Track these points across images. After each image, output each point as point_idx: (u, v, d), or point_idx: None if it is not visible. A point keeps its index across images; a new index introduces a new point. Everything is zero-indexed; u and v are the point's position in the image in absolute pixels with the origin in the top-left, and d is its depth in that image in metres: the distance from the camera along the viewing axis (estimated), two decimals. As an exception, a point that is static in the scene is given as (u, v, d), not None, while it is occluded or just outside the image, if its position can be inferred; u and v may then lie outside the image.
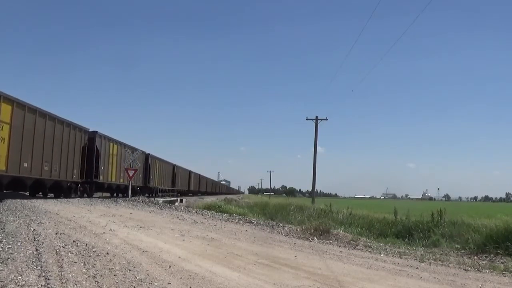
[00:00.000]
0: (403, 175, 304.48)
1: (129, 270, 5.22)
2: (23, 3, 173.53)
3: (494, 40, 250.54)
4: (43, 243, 6.19)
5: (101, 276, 4.80)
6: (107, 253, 6.01)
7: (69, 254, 5.68)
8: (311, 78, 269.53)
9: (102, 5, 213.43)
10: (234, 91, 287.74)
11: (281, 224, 13.25)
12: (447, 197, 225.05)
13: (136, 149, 26.85)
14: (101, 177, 21.42)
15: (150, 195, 31.21)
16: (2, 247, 5.60)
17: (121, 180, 24.94)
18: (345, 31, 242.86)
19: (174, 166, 40.11)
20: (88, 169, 20.16)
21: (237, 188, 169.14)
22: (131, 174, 23.68)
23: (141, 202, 18.22)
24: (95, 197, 21.50)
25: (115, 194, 26.58)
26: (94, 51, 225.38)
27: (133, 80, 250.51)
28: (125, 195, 26.23)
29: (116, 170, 23.84)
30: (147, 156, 30.28)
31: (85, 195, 20.89)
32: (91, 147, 20.29)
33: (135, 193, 27.17)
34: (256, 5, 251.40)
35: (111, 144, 23.11)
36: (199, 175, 58.33)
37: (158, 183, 33.83)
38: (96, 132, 20.86)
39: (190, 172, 49.11)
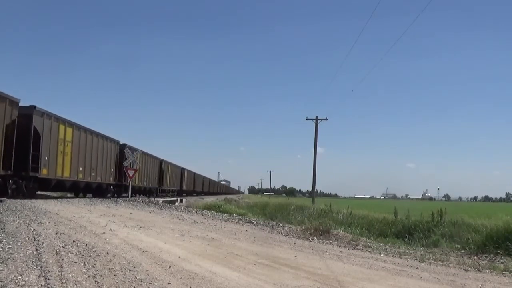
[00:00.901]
0: (403, 175, 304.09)
1: (129, 270, 5.22)
2: (23, 3, 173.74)
3: (494, 40, 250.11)
4: (43, 243, 6.19)
5: (101, 276, 4.80)
6: (107, 253, 6.01)
7: (69, 254, 5.68)
8: (311, 78, 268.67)
9: (102, 5, 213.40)
10: (234, 91, 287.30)
11: (281, 224, 13.27)
12: (447, 197, 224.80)
13: (99, 134, 21.41)
14: (44, 171, 15.87)
15: (134, 194, 27.16)
16: (2, 247, 5.60)
17: (80, 176, 18.94)
18: (345, 31, 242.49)
19: (161, 161, 34.55)
20: (20, 159, 14.53)
21: (237, 188, 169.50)
22: (131, 174, 23.59)
23: (141, 202, 18.30)
24: (45, 198, 16.08)
25: (81, 195, 21.95)
26: (94, 51, 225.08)
27: (133, 80, 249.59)
28: (94, 195, 22.11)
29: (71, 162, 17.99)
30: (122, 147, 24.41)
31: (21, 194, 14.75)
32: (25, 127, 14.88)
33: (106, 192, 23.20)
34: (256, 5, 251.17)
35: (62, 126, 17.21)
36: (194, 173, 53.20)
37: (139, 181, 27.80)
38: (34, 107, 15.25)
39: (182, 169, 43.97)
